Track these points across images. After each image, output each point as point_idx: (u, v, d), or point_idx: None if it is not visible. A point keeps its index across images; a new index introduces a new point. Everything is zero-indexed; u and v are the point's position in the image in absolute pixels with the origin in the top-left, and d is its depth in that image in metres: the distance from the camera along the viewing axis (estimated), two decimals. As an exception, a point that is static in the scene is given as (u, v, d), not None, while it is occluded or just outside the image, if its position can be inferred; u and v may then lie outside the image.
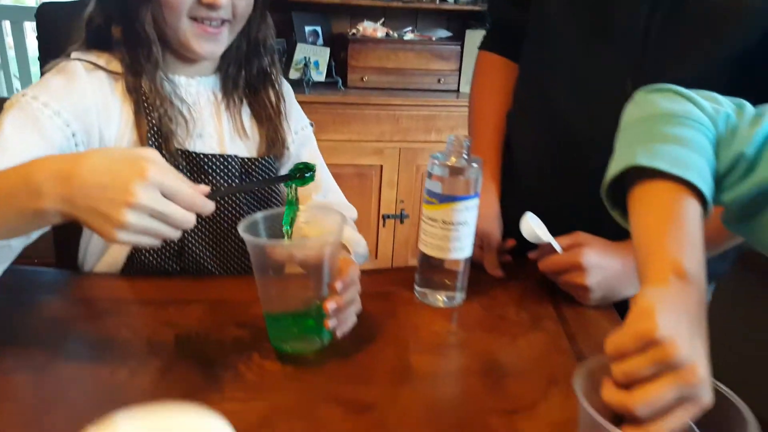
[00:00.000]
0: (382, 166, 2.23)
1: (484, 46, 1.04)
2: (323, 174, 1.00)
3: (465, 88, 2.29)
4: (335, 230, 0.65)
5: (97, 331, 0.69)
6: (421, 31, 2.40)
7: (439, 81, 2.30)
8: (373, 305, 0.77)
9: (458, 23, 2.45)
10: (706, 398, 0.43)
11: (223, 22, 0.82)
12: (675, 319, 0.43)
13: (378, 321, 0.74)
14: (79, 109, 0.78)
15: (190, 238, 0.85)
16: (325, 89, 2.17)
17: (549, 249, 0.80)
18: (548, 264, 0.80)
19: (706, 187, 0.52)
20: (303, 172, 0.70)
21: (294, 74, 2.15)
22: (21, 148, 0.70)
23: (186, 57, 0.85)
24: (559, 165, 0.89)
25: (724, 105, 0.57)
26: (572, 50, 0.85)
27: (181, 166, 0.83)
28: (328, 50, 2.20)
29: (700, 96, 0.58)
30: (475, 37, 2.24)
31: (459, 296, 0.80)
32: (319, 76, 2.17)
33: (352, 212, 0.99)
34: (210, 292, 0.80)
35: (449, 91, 2.31)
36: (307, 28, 2.22)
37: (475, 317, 0.77)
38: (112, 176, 0.53)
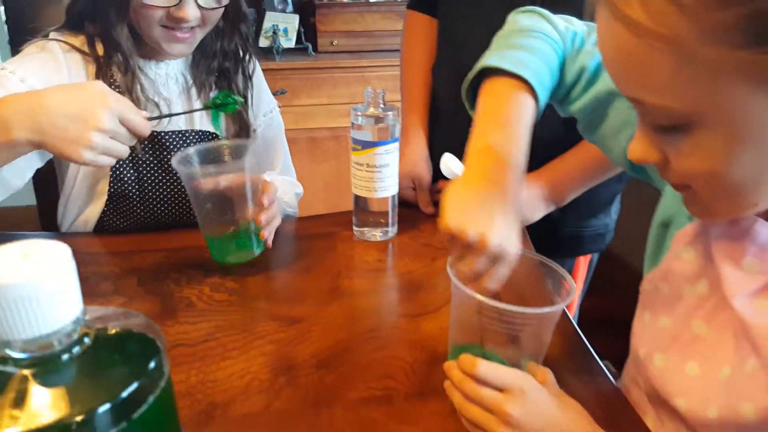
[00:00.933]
0: (357, 127, 2.31)
1: (411, 5, 1.12)
2: (285, 156, 1.11)
3: (433, 45, 2.35)
4: (249, 158, 0.77)
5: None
6: (387, -8, 2.44)
7: (407, 40, 2.35)
8: (315, 243, 0.88)
9: None
10: (509, 254, 0.52)
11: (193, 28, 0.86)
12: (462, 204, 0.52)
13: (317, 255, 0.86)
14: (53, 84, 0.84)
15: (148, 195, 0.95)
16: (295, 55, 2.24)
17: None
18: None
19: (539, 83, 0.58)
20: (224, 103, 0.81)
21: (264, 42, 2.21)
22: None
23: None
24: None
25: (576, 26, 0.64)
26: (481, 5, 0.93)
27: (147, 146, 0.91)
28: (297, 17, 2.26)
29: (558, 18, 0.65)
30: None
31: (391, 231, 0.91)
32: (288, 42, 2.24)
33: (297, 187, 1.10)
34: (168, 242, 0.91)
35: (418, 49, 2.37)
36: (275, -4, 2.28)
37: (404, 246, 0.88)
38: (79, 106, 0.65)
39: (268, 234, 0.82)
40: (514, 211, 0.54)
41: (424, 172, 1.00)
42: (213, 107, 0.81)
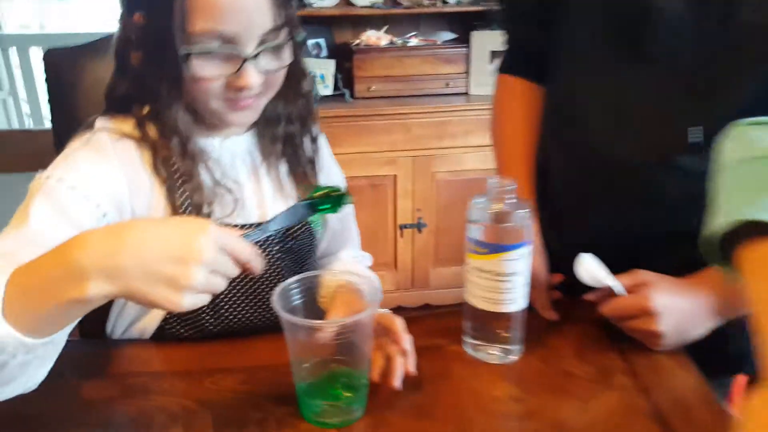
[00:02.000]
0: (396, 176, 2.17)
1: (504, 69, 0.97)
2: (353, 227, 0.99)
3: (474, 90, 2.23)
4: (372, 303, 0.62)
5: (135, 413, 0.64)
6: (425, 35, 2.33)
7: (447, 85, 2.23)
8: (421, 366, 0.71)
9: (462, 24, 2.38)
10: None
11: (257, 94, 0.74)
12: None
13: (431, 388, 0.69)
14: (109, 187, 0.72)
15: (226, 313, 0.80)
16: (333, 102, 2.11)
17: (609, 291, 0.74)
18: (613, 309, 0.74)
19: None
20: (331, 199, 0.66)
21: (299, 89, 2.09)
22: (50, 239, 0.63)
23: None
24: (600, 195, 0.83)
25: None
26: (603, 74, 0.79)
27: None
28: (333, 62, 2.14)
29: None
30: (481, 38, 2.18)
31: (516, 351, 0.74)
32: (326, 89, 2.11)
33: (367, 260, 0.99)
34: (245, 358, 0.74)
35: (458, 95, 2.25)
36: (310, 42, 2.16)
37: (537, 375, 0.72)
38: (170, 237, 0.51)
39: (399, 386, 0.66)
40: None
41: (540, 265, 0.84)
42: (319, 206, 0.65)
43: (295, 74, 0.79)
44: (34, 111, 3.21)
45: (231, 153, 0.81)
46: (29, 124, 3.33)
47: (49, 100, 1.00)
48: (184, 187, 0.75)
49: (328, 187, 0.65)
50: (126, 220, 0.72)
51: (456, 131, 2.13)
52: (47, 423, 0.63)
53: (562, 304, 0.83)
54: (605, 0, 0.76)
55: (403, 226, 2.24)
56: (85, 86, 0.95)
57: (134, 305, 0.78)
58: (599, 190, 0.82)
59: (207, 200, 0.76)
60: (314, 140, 0.88)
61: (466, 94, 2.24)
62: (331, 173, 0.94)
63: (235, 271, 0.55)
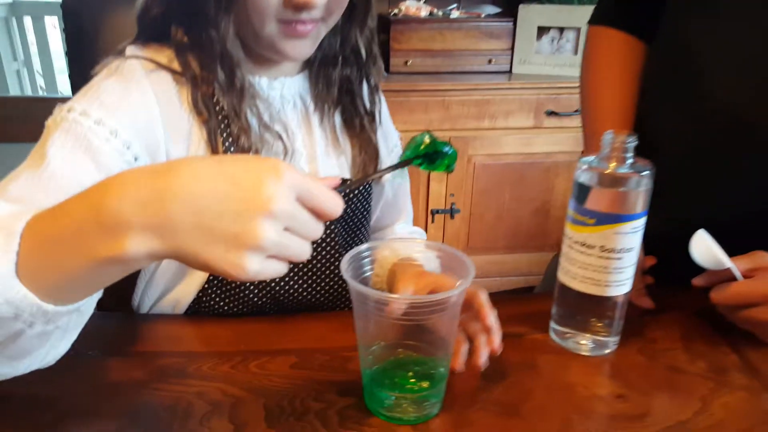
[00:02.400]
0: (430, 158, 2.05)
1: (599, 20, 0.85)
2: (408, 201, 0.90)
3: (518, 68, 2.09)
4: (467, 276, 0.51)
5: (169, 400, 0.54)
6: (467, 8, 2.20)
7: (489, 62, 2.10)
8: (505, 354, 0.60)
9: (507, -2, 2.25)
10: None
11: (316, 20, 0.64)
12: None
13: (518, 383, 0.58)
14: (141, 123, 0.61)
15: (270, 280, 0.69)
16: (367, 76, 1.99)
17: (723, 274, 0.63)
18: (728, 295, 0.62)
19: None
20: (431, 155, 0.55)
21: (333, 60, 1.97)
22: (74, 184, 0.53)
23: (266, 57, 0.67)
24: (722, 165, 0.70)
25: None
26: (745, 24, 0.67)
27: None
28: (369, 33, 2.01)
29: None
30: (528, 12, 2.04)
31: (612, 342, 0.63)
32: (361, 61, 1.99)
33: (423, 237, 0.92)
34: (297, 339, 0.63)
35: (501, 73, 2.12)
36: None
37: (639, 371, 0.60)
38: (233, 182, 0.38)
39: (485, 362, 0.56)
40: None
41: (636, 247, 0.72)
42: (425, 161, 0.54)
43: (359, 5, 0.68)
44: (48, 83, 3.11)
45: (281, 96, 0.71)
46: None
47: (67, 54, 0.90)
48: (230, 128, 0.64)
49: (435, 140, 0.54)
50: (173, 159, 0.58)
51: (497, 111, 2.01)
52: (66, 410, 0.53)
53: (656, 291, 0.71)
54: None
55: (434, 212, 2.12)
56: (106, 37, 0.86)
57: (164, 272, 0.68)
58: (716, 156, 0.70)
59: (254, 146, 0.65)
60: (375, 89, 0.76)
61: (509, 72, 2.11)
62: (389, 135, 0.83)
63: (317, 230, 0.42)
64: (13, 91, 2.88)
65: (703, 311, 0.68)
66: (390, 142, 0.82)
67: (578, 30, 2.00)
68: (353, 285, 0.49)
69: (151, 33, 0.65)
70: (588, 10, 0.86)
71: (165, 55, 0.65)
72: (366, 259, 0.55)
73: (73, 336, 0.47)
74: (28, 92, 3.04)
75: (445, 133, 2.01)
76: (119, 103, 0.60)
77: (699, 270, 0.63)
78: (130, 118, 0.60)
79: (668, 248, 0.69)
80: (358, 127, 0.74)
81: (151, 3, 0.64)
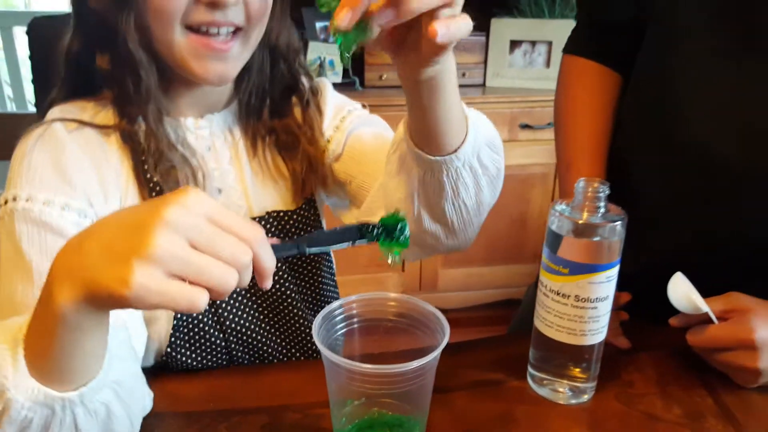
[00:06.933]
0: (406, 172, 2.04)
1: (573, 50, 0.84)
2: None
3: (491, 81, 2.10)
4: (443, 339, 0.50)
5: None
6: (441, 21, 2.20)
7: (463, 75, 2.09)
8: (485, 406, 0.59)
9: (480, 10, 2.23)
10: None
11: (235, 31, 0.60)
12: None
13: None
14: (80, 186, 0.59)
15: (232, 324, 0.67)
16: (342, 90, 1.95)
17: (699, 316, 0.62)
18: (704, 339, 0.62)
19: None
20: (388, 229, 0.50)
21: (306, 76, 1.95)
22: None
23: (189, 87, 0.65)
24: (694, 201, 0.70)
25: None
26: (711, 64, 0.67)
27: None
28: (342, 47, 1.99)
29: None
30: (500, 26, 2.05)
31: (589, 388, 0.62)
32: (335, 76, 1.97)
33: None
34: (267, 395, 0.61)
35: (474, 86, 2.12)
36: (318, 24, 2.02)
37: (619, 419, 0.59)
38: (138, 209, 0.40)
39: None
40: None
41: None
42: (383, 232, 0.51)
43: (281, 29, 0.67)
44: (17, 95, 3.04)
45: (210, 133, 0.68)
46: (11, 107, 3.16)
47: (33, 78, 0.88)
48: (157, 170, 0.62)
49: (391, 215, 0.50)
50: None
51: (471, 125, 2.01)
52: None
53: (631, 329, 0.71)
54: None
55: (412, 224, 2.12)
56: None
57: (131, 324, 0.65)
58: (693, 195, 0.69)
59: (181, 185, 0.63)
60: (303, 105, 0.73)
61: (483, 85, 2.12)
62: (337, 107, 0.76)
63: (240, 253, 0.38)
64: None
65: (678, 350, 0.67)
66: (338, 115, 0.75)
67: (550, 43, 2.01)
68: (324, 352, 0.47)
69: (74, 81, 0.64)
70: (559, 24, 0.85)
71: (88, 110, 0.64)
72: (339, 317, 0.53)
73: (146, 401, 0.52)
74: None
75: (421, 147, 2.01)
76: (55, 175, 0.58)
77: (675, 307, 0.63)
78: (71, 185, 0.59)
79: (645, 285, 0.69)
80: (295, 145, 0.71)
81: (72, 40, 0.62)
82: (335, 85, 0.82)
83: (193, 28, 0.58)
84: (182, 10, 0.56)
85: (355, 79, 2.01)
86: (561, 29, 0.85)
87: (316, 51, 1.95)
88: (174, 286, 0.36)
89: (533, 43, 2.04)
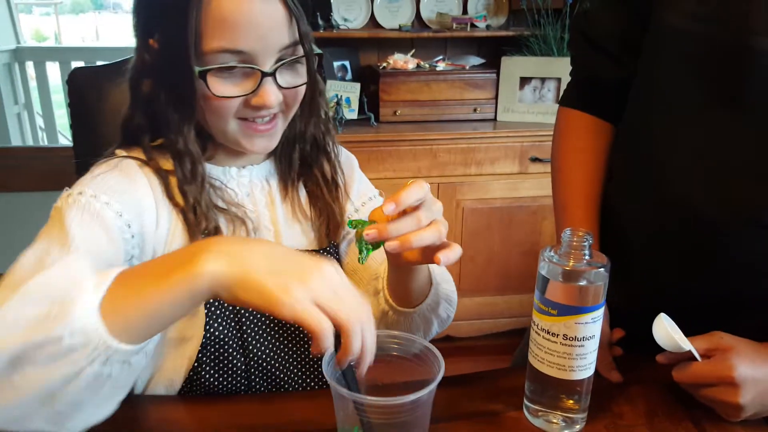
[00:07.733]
0: (420, 203, 2.10)
1: (567, 103, 0.91)
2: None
3: (502, 116, 2.17)
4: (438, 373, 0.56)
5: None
6: (453, 60, 2.28)
7: (475, 110, 2.17)
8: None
9: (491, 49, 2.33)
10: None
11: (275, 115, 0.72)
12: None
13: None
14: (137, 210, 0.69)
15: (255, 350, 0.73)
16: (357, 126, 2.06)
17: (684, 354, 0.67)
18: (688, 376, 0.66)
19: None
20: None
21: (324, 112, 2.04)
22: (95, 249, 0.62)
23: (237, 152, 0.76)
24: (677, 250, 0.75)
25: None
26: (692, 120, 0.72)
27: None
28: (358, 86, 2.09)
29: None
30: (510, 63, 2.13)
31: (581, 418, 0.67)
32: (351, 113, 2.06)
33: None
34: (283, 418, 0.67)
35: (486, 121, 2.19)
36: (336, 64, 2.12)
37: (607, 448, 0.64)
38: (297, 254, 0.53)
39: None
40: None
41: (603, 322, 0.77)
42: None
43: (312, 93, 0.76)
44: (48, 125, 3.20)
45: (249, 182, 0.79)
46: (43, 137, 3.32)
47: (71, 122, 0.97)
48: (196, 213, 0.71)
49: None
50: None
51: (483, 158, 2.07)
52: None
53: (624, 363, 0.76)
54: (701, 36, 0.69)
55: (425, 255, 2.17)
56: (108, 107, 0.93)
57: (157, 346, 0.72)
58: (676, 245, 0.75)
59: (221, 227, 0.73)
60: (331, 162, 0.83)
61: (494, 120, 2.19)
62: (361, 191, 0.88)
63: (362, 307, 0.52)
64: (13, 131, 2.97)
65: (667, 384, 0.71)
66: (360, 199, 0.87)
67: (559, 80, 2.08)
68: (332, 384, 0.53)
69: (131, 139, 0.74)
70: (567, 62, 0.92)
71: (145, 156, 0.73)
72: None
73: (119, 396, 0.53)
74: (28, 133, 3.13)
75: (434, 179, 2.07)
76: (121, 191, 0.68)
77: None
78: (130, 204, 0.68)
79: (634, 322, 0.74)
80: (320, 196, 0.82)
81: (133, 113, 0.73)
82: (352, 121, 0.92)
83: (242, 118, 0.70)
84: (235, 110, 0.68)
85: (370, 114, 2.09)
86: (569, 67, 0.92)
87: (333, 89, 2.05)
88: (314, 311, 0.48)
89: (543, 80, 2.11)
